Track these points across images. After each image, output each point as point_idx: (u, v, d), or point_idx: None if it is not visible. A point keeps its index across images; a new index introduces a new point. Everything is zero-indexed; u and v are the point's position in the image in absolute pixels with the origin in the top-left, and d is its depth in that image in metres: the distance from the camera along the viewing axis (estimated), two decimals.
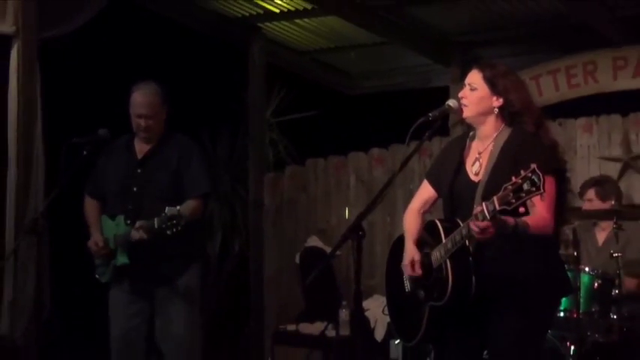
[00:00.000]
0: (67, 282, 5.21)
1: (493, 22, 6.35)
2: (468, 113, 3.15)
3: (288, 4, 6.14)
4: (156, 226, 3.86)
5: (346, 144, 6.90)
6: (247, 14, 6.40)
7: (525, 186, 2.63)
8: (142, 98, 4.20)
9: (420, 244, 3.19)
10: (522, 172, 2.64)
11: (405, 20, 6.43)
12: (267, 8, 6.25)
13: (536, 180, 2.61)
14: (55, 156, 4.69)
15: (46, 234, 4.59)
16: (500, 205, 2.68)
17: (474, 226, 2.77)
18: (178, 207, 3.83)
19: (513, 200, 2.65)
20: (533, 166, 2.63)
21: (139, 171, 4.21)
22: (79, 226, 4.99)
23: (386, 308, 3.54)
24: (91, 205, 4.34)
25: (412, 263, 3.12)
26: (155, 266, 4.14)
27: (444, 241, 3.03)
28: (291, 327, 5.77)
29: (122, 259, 4.09)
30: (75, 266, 5.53)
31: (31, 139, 4.86)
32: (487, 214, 2.72)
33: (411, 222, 3.30)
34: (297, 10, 6.24)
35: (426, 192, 3.35)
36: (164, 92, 4.27)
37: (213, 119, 6.31)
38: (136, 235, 3.98)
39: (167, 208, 3.81)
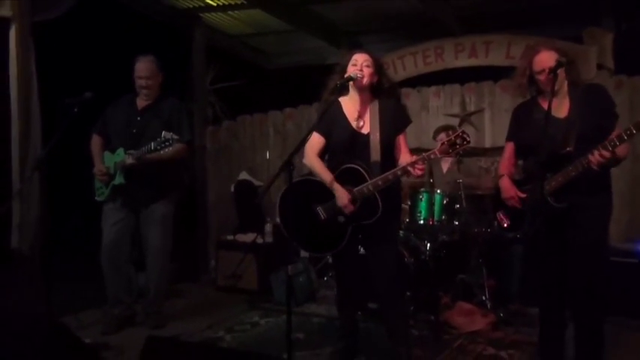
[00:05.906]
0: (61, 207, 4.99)
1: (370, 16, 6.37)
2: (364, 82, 3.20)
3: None
4: (152, 147, 3.75)
5: (266, 104, 6.81)
6: (192, 6, 6.19)
7: (458, 141, 2.88)
8: (142, 65, 4.14)
9: (341, 183, 3.15)
10: (451, 133, 2.95)
11: (308, 14, 6.37)
12: (207, 2, 6.06)
13: (466, 137, 2.87)
14: (48, 113, 4.48)
15: (46, 171, 4.43)
16: (440, 154, 2.94)
17: (419, 168, 2.95)
18: (171, 133, 3.71)
19: (450, 150, 2.90)
20: (461, 130, 2.91)
21: (138, 119, 4.12)
22: (70, 166, 4.82)
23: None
24: (96, 142, 4.22)
25: (350, 201, 3.12)
26: (143, 189, 4.06)
27: (369, 179, 3.06)
28: (230, 237, 5.75)
29: (119, 180, 4.01)
30: (67, 195, 5.35)
31: (28, 100, 4.60)
32: (426, 161, 2.96)
33: (320, 165, 3.23)
34: (230, 4, 6.08)
35: (318, 141, 3.28)
36: (159, 62, 4.20)
37: (166, 86, 6.17)
38: (129, 159, 3.90)
39: (163, 132, 3.69)
